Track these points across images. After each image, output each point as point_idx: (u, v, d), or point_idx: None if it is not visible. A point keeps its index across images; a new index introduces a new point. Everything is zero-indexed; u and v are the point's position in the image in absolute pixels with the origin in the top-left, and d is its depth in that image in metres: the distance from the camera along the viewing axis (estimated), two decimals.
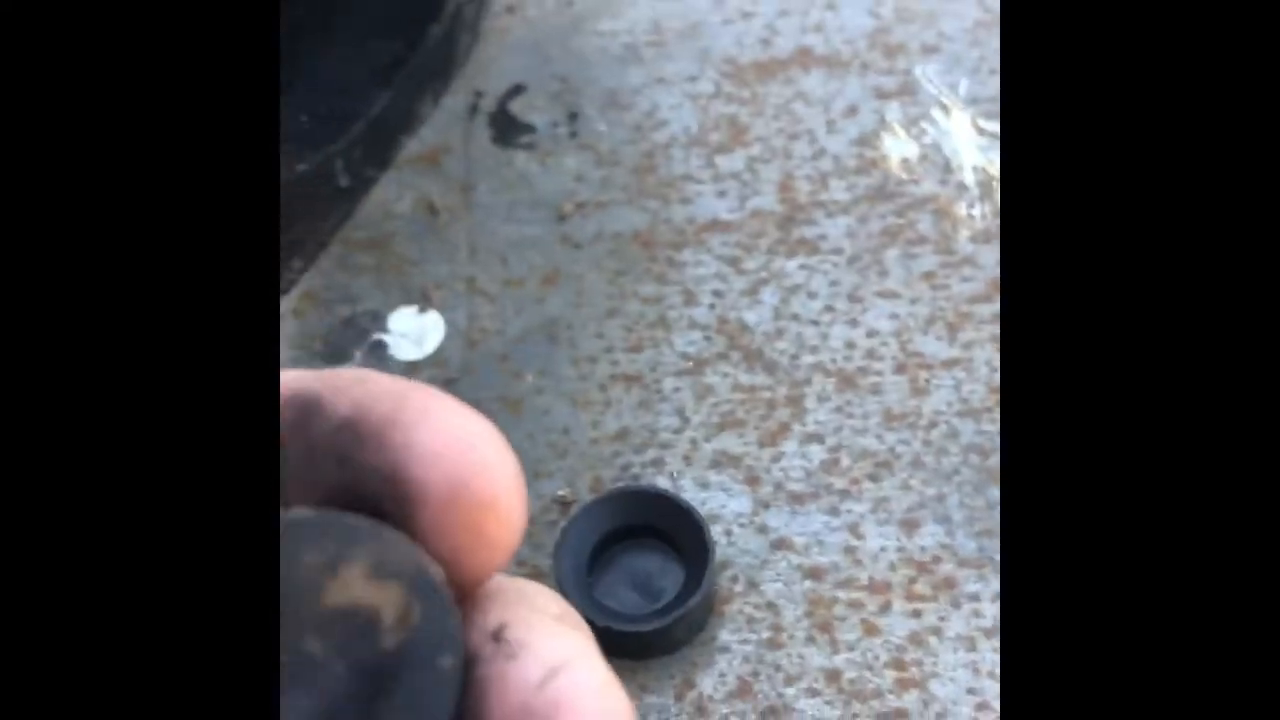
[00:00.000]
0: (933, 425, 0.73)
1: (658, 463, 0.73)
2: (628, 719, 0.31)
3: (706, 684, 0.66)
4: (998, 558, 0.68)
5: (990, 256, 0.80)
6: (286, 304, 0.82)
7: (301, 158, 0.83)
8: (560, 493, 0.72)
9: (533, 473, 0.73)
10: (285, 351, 0.79)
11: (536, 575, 0.70)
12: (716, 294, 0.80)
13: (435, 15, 0.91)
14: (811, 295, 0.79)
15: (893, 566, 0.69)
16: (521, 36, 0.96)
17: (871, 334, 0.78)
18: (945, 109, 0.88)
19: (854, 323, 0.78)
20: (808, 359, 0.77)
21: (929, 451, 0.72)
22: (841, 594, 0.68)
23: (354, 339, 0.80)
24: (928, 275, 0.80)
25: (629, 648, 0.66)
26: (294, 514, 0.30)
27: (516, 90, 0.93)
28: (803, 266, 0.81)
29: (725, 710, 0.65)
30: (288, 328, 0.80)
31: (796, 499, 0.71)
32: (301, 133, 0.84)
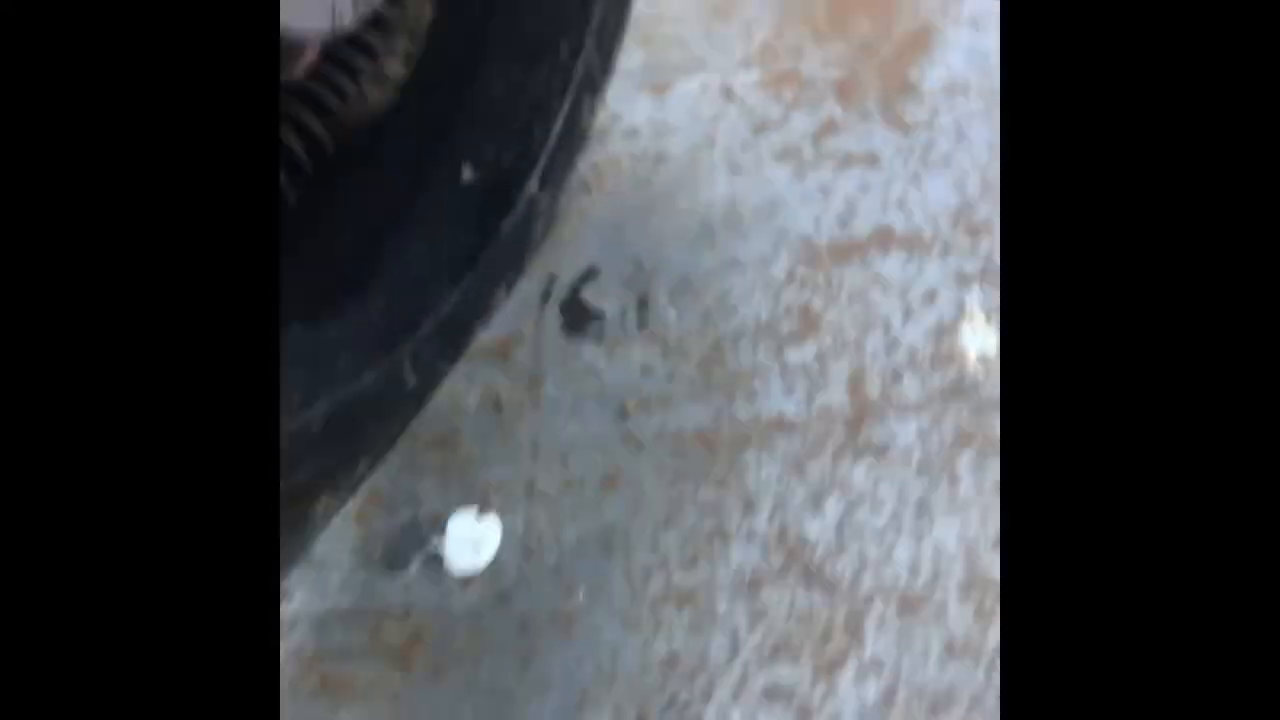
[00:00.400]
0: (995, 659, 0.68)
1: (706, 694, 0.70)
2: None
3: None
4: None
5: None
6: (351, 506, 0.83)
7: (371, 363, 0.84)
8: None
9: (579, 701, 0.71)
10: (344, 558, 0.79)
11: None
12: (778, 502, 0.77)
13: (509, 207, 0.92)
14: (877, 506, 0.75)
15: None
16: (599, 216, 0.96)
17: (938, 552, 0.73)
18: None
19: (919, 538, 0.74)
20: (869, 579, 0.73)
21: (989, 689, 0.67)
22: None
23: (413, 546, 0.80)
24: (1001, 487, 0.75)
25: None
26: None
27: (589, 274, 0.93)
28: (870, 472, 0.77)
29: None
30: (350, 532, 0.81)
31: None
32: (371, 336, 0.85)
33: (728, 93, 0.98)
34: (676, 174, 0.95)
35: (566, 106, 0.91)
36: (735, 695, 0.70)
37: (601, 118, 0.96)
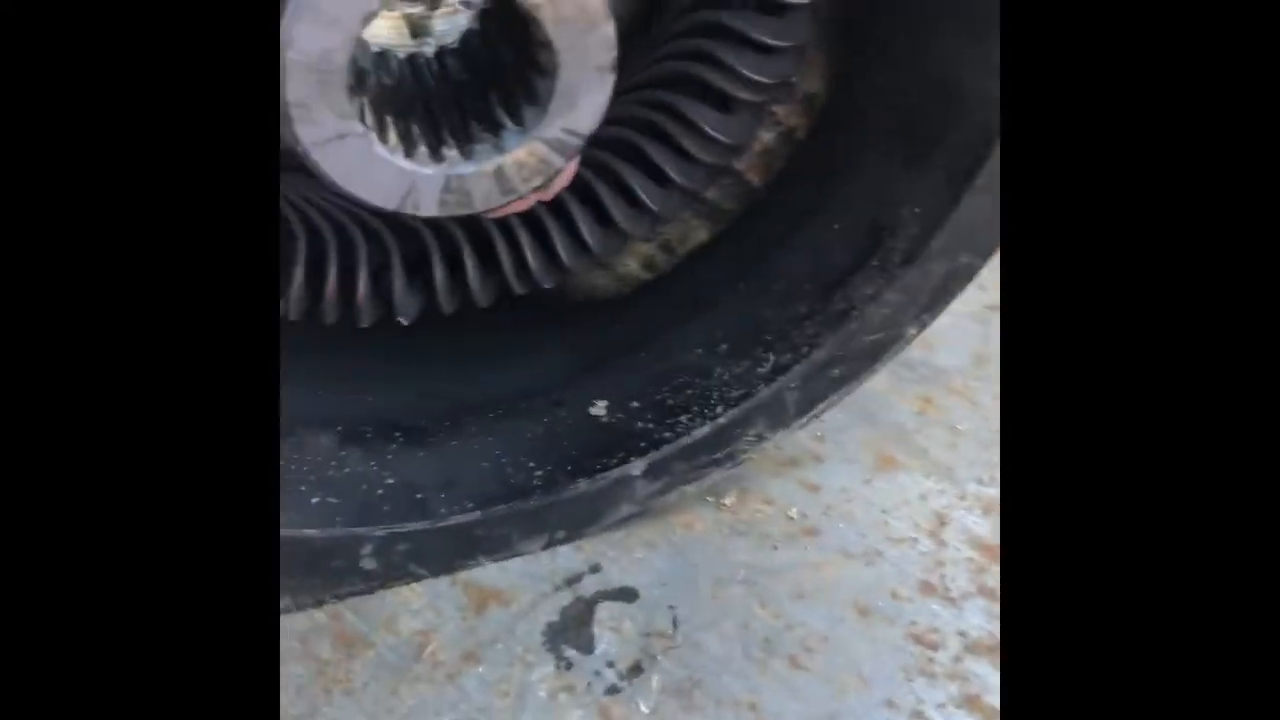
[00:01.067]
0: None
1: None
2: None
3: None
4: None
5: None
6: None
7: (328, 514, 0.72)
8: None
9: None
10: None
11: None
12: None
13: (599, 463, 0.77)
14: None
15: None
16: (692, 541, 0.79)
17: None
18: None
19: None
20: None
21: None
22: None
23: None
24: None
25: None
26: None
27: (625, 592, 0.76)
28: None
29: None
30: None
31: None
32: (352, 485, 0.73)
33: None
34: (817, 577, 0.77)
35: (729, 412, 0.76)
36: None
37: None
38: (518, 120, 0.54)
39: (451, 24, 0.61)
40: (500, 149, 0.54)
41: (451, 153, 0.54)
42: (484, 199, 0.55)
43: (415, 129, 0.54)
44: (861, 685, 0.70)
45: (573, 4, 0.50)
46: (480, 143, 0.54)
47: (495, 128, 0.54)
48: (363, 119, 0.51)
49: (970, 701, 0.69)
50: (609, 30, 0.51)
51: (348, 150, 0.51)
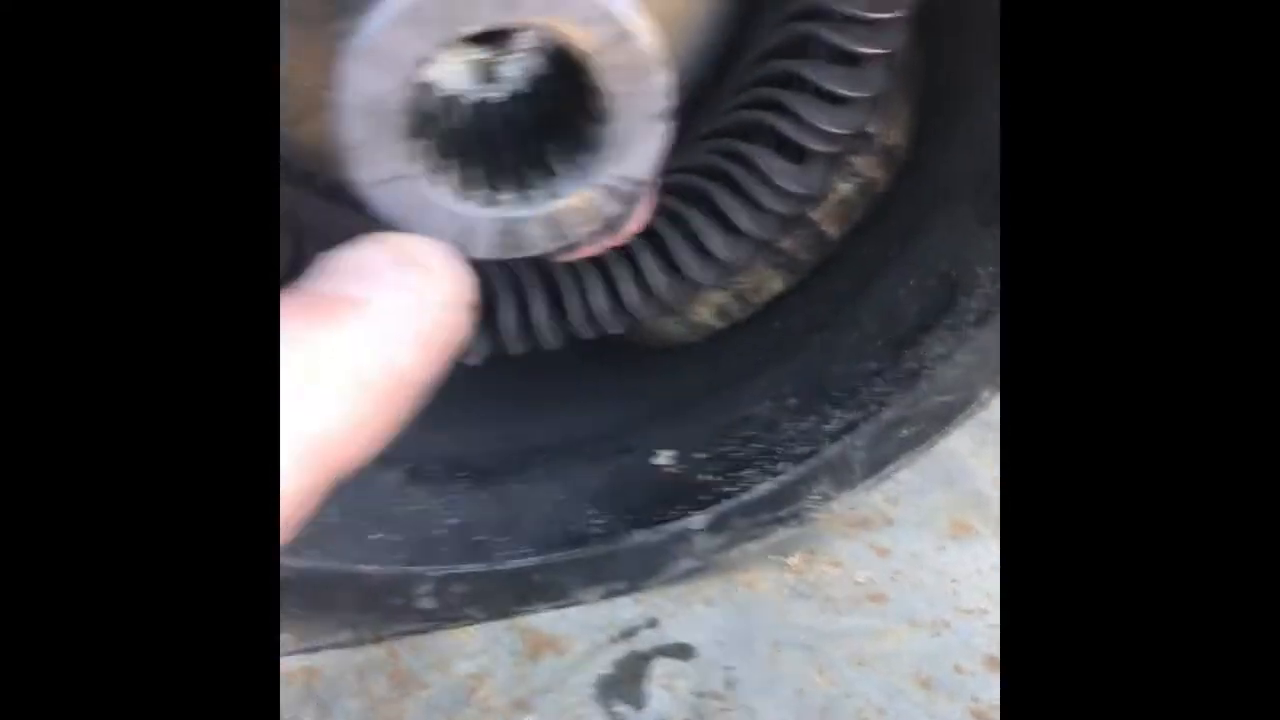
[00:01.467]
0: None
1: None
2: None
3: None
4: None
5: None
6: None
7: (389, 551, 0.73)
8: None
9: None
10: None
11: None
12: None
13: (660, 514, 0.76)
14: None
15: None
16: (752, 599, 0.77)
17: None
18: None
19: None
20: None
21: None
22: None
23: None
24: None
25: None
26: None
27: (681, 648, 0.74)
28: None
29: None
30: None
31: None
32: (416, 524, 0.74)
33: None
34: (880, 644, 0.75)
35: (796, 470, 0.74)
36: None
37: None
38: (573, 166, 0.54)
39: (520, 69, 0.61)
40: (554, 194, 0.54)
41: (507, 196, 0.54)
42: (537, 243, 0.55)
43: (474, 172, 0.55)
44: None
45: (625, 52, 0.50)
46: (535, 188, 0.54)
47: (550, 173, 0.54)
48: (419, 161, 0.52)
49: None
50: (663, 79, 0.51)
51: (403, 191, 0.51)
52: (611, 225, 0.63)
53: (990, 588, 0.78)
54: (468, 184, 0.53)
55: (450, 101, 0.59)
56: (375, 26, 0.48)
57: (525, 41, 0.60)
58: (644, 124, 0.51)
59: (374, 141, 0.50)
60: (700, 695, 0.71)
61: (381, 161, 0.50)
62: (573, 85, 0.55)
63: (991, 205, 0.69)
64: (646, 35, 0.49)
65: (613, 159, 0.53)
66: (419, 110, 0.54)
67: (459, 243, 0.54)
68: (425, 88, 0.56)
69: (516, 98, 0.58)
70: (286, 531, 0.39)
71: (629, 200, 0.56)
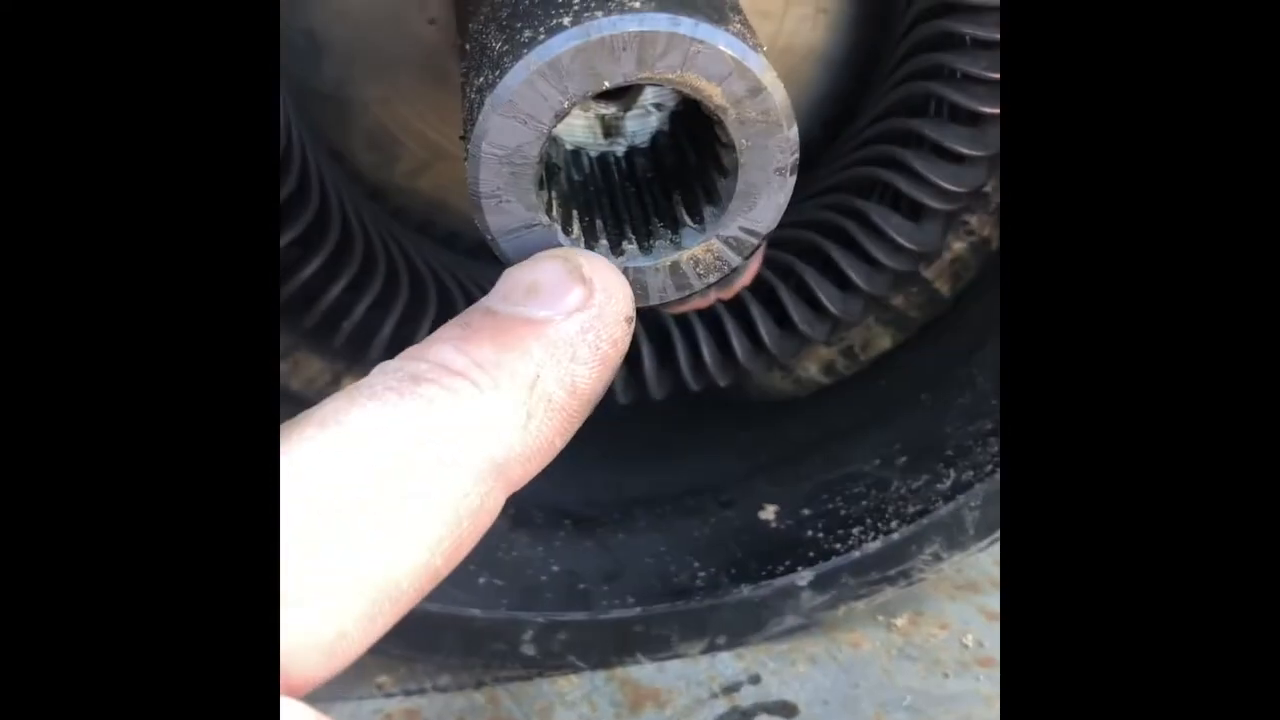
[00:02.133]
0: None
1: None
2: None
3: None
4: None
5: None
6: None
7: (495, 597, 0.73)
8: None
9: None
10: None
11: None
12: None
13: (766, 568, 0.75)
14: None
15: None
16: (858, 658, 0.76)
17: None
18: None
19: None
20: None
21: None
22: None
23: None
24: None
25: None
26: None
27: (783, 707, 0.73)
28: None
29: None
30: None
31: None
32: (519, 570, 0.74)
33: None
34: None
35: (905, 529, 0.73)
36: None
37: None
38: (697, 218, 0.54)
39: (643, 125, 0.62)
40: (678, 245, 0.54)
41: (631, 247, 0.55)
42: (660, 292, 0.55)
43: (599, 223, 0.55)
44: None
45: (757, 107, 0.50)
46: (659, 238, 0.55)
47: (675, 225, 0.55)
48: (550, 211, 0.52)
49: None
50: (792, 134, 0.51)
51: (533, 240, 0.53)
52: (723, 279, 0.64)
53: None
54: (594, 234, 0.54)
55: (573, 154, 0.60)
56: (517, 79, 0.49)
57: (646, 98, 0.61)
58: (772, 177, 0.52)
59: (507, 191, 0.51)
60: None
61: (515, 211, 0.51)
62: (698, 140, 0.55)
63: None
64: (778, 91, 0.50)
65: (738, 211, 0.53)
66: (550, 162, 0.55)
67: None
68: (556, 141, 0.58)
69: (635, 151, 0.59)
70: (466, 548, 0.40)
71: (751, 252, 0.56)
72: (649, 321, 0.75)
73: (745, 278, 0.72)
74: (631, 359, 0.75)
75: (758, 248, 0.57)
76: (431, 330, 0.46)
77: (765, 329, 0.74)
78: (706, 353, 0.74)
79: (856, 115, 0.75)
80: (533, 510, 0.78)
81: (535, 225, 0.52)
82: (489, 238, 0.53)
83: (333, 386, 0.77)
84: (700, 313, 0.75)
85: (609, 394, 0.74)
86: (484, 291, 0.49)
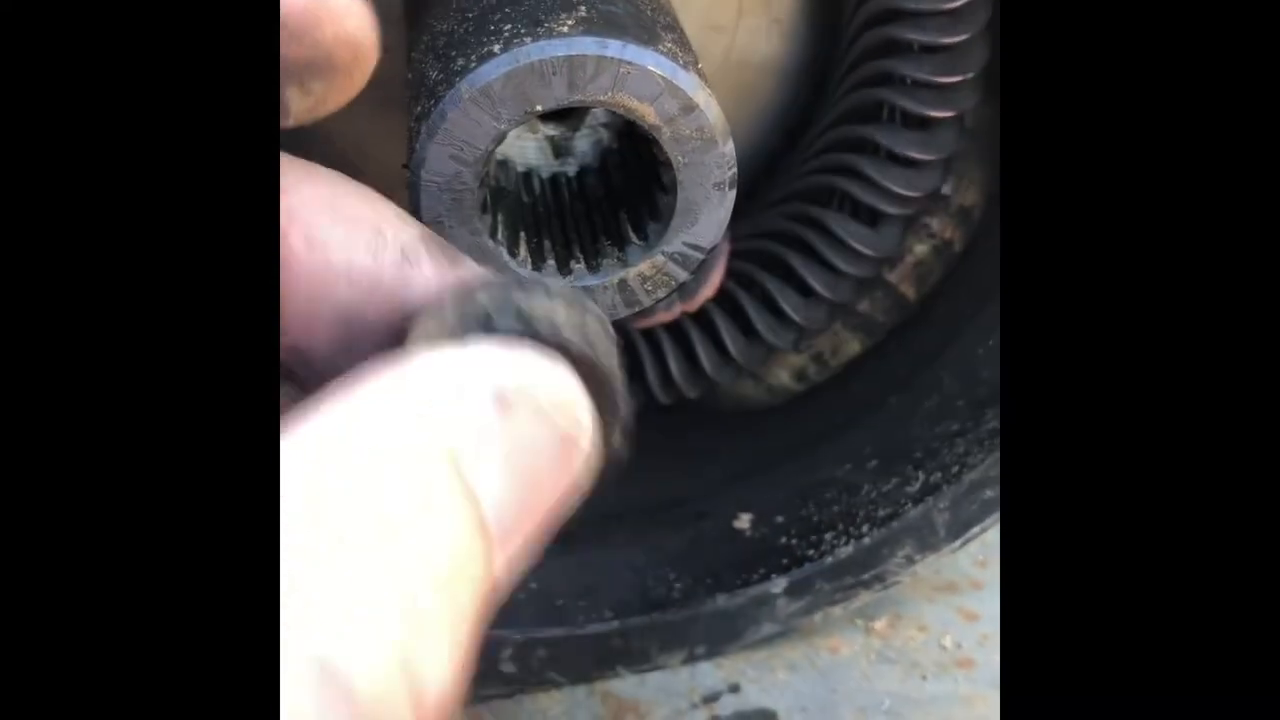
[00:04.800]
0: None
1: None
2: None
3: None
4: None
5: None
6: None
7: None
8: None
9: None
10: None
11: None
12: None
13: (742, 577, 0.76)
14: None
15: None
16: (835, 664, 0.76)
17: None
18: None
19: None
20: None
21: None
22: None
23: None
24: None
25: None
26: None
27: (763, 714, 0.74)
28: None
29: None
30: None
31: None
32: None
33: None
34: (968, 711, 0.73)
35: (877, 533, 0.73)
36: None
37: None
38: (642, 236, 0.55)
39: (593, 144, 0.63)
40: (624, 263, 0.55)
41: (579, 266, 0.55)
42: (609, 310, 0.56)
43: (547, 244, 0.56)
44: None
45: (691, 125, 0.51)
46: (606, 257, 0.56)
47: (622, 242, 0.55)
48: (495, 235, 0.53)
49: None
50: (728, 149, 0.52)
51: (479, 263, 0.53)
52: (685, 292, 0.64)
53: None
54: (542, 255, 0.55)
55: (524, 176, 0.61)
56: (451, 107, 0.50)
57: (594, 118, 0.62)
58: (711, 192, 0.52)
59: (450, 217, 0.52)
60: None
61: (460, 235, 0.52)
62: (640, 158, 0.56)
63: None
64: (711, 108, 0.50)
65: (681, 227, 0.54)
66: (494, 185, 0.56)
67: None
68: (500, 164, 0.58)
69: (586, 171, 0.60)
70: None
71: (698, 267, 0.57)
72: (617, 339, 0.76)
73: (708, 289, 0.73)
74: None
75: (704, 263, 0.58)
76: None
77: (731, 339, 0.75)
78: (673, 365, 0.75)
79: (813, 123, 0.76)
80: None
81: (480, 249, 0.53)
82: None
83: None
84: (666, 327, 0.76)
85: None
86: None
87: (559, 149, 0.63)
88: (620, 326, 0.71)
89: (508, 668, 0.74)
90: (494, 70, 0.49)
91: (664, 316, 0.73)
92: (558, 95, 0.49)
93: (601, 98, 0.50)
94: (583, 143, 0.62)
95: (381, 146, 0.75)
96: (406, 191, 0.53)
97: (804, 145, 0.74)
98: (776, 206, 0.75)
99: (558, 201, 0.58)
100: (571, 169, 0.62)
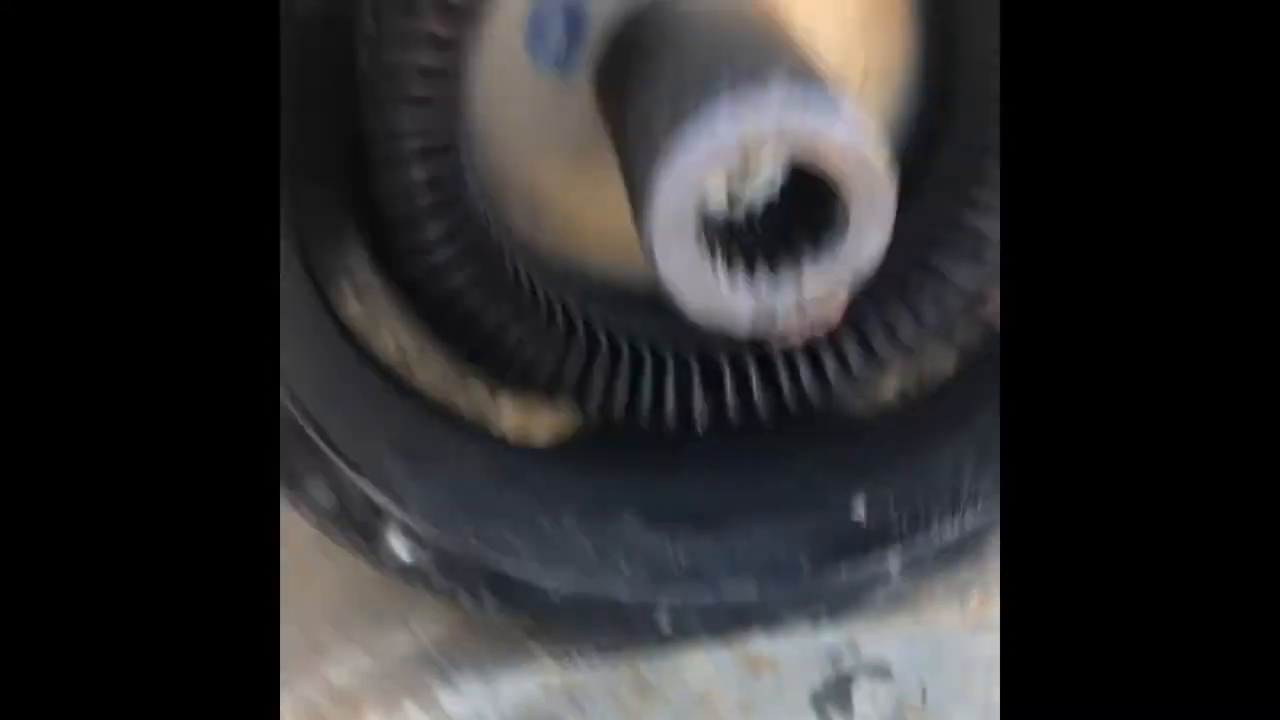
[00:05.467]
0: None
1: None
2: None
3: None
4: None
5: None
6: None
7: (633, 581, 0.88)
8: None
9: None
10: None
11: None
12: None
13: (859, 554, 0.90)
14: None
15: None
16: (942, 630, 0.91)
17: None
18: None
19: None
20: None
21: None
22: None
23: None
24: None
25: None
26: None
27: (880, 669, 0.88)
28: None
29: None
30: None
31: None
32: (653, 558, 0.89)
33: None
34: None
35: (977, 516, 0.88)
36: None
37: None
38: (817, 261, 0.71)
39: (769, 184, 0.78)
40: (801, 284, 0.71)
41: (765, 286, 0.71)
42: (788, 324, 0.72)
43: (741, 261, 0.72)
44: None
45: (867, 177, 0.67)
46: (786, 280, 0.71)
47: (799, 267, 0.71)
48: (712, 256, 0.69)
49: None
50: (891, 194, 0.68)
51: (701, 282, 0.69)
52: (826, 314, 0.79)
53: None
54: (741, 274, 0.70)
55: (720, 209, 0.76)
56: (683, 160, 0.66)
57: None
58: (876, 228, 0.68)
59: (675, 241, 0.68)
60: (899, 704, 0.84)
61: (683, 258, 0.68)
62: (819, 197, 0.72)
63: None
64: (884, 163, 0.66)
65: (849, 256, 0.69)
66: (705, 214, 0.71)
67: (753, 324, 0.70)
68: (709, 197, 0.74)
69: (772, 207, 0.75)
70: None
71: (855, 289, 0.73)
72: (758, 356, 0.91)
73: (837, 313, 0.89)
74: (744, 388, 0.91)
75: (859, 286, 0.73)
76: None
77: (853, 356, 0.90)
78: (804, 376, 0.91)
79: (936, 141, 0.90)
80: (663, 513, 0.93)
81: (701, 270, 0.69)
82: (662, 282, 0.70)
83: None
84: (800, 348, 0.91)
85: (726, 415, 0.90)
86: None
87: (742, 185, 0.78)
88: (761, 344, 0.87)
89: (664, 628, 0.88)
90: (724, 125, 0.65)
91: (808, 334, 0.88)
92: (770, 152, 0.66)
93: (801, 155, 0.66)
94: (761, 181, 0.78)
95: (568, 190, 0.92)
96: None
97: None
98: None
99: (750, 230, 0.74)
100: (756, 201, 0.76)
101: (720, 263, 0.70)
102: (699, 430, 0.92)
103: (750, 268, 0.72)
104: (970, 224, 0.87)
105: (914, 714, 0.83)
